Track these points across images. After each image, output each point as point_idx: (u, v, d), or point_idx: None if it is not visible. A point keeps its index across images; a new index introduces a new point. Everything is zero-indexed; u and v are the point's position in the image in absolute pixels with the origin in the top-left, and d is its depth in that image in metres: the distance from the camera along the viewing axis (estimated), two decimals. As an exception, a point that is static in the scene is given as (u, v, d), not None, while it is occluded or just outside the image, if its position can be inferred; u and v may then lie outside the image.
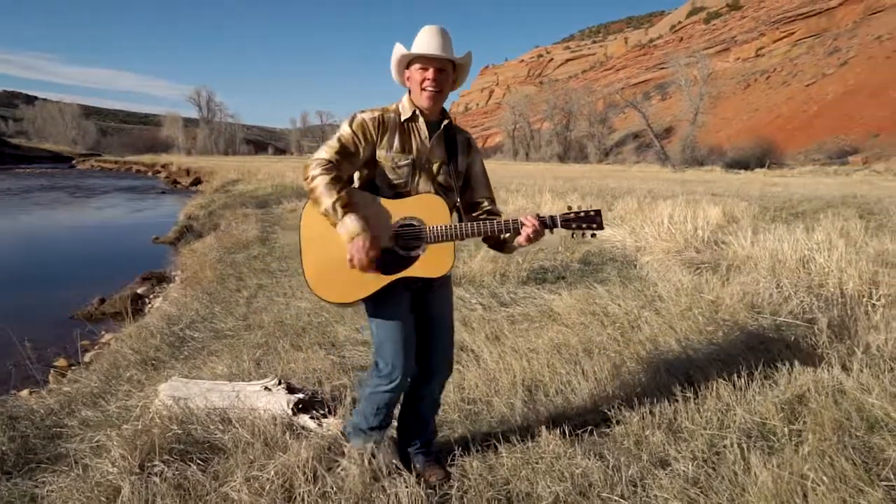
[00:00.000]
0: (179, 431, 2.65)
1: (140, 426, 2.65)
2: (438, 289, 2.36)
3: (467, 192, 2.40)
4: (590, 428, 2.56)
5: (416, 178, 2.25)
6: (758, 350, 3.21)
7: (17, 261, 12.20)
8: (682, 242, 6.55)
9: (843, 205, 13.03)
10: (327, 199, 2.06)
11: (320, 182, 2.08)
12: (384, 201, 2.20)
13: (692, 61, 63.19)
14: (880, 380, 2.80)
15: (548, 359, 3.32)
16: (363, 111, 2.24)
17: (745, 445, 2.32)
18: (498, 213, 2.39)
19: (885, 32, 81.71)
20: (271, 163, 49.81)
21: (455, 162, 2.31)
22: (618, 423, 2.60)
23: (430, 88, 2.18)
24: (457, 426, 2.79)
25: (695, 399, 2.72)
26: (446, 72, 2.21)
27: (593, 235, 2.23)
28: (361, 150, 2.19)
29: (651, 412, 2.61)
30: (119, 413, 3.10)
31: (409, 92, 2.27)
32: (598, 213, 2.22)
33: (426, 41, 2.16)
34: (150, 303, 8.74)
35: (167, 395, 2.97)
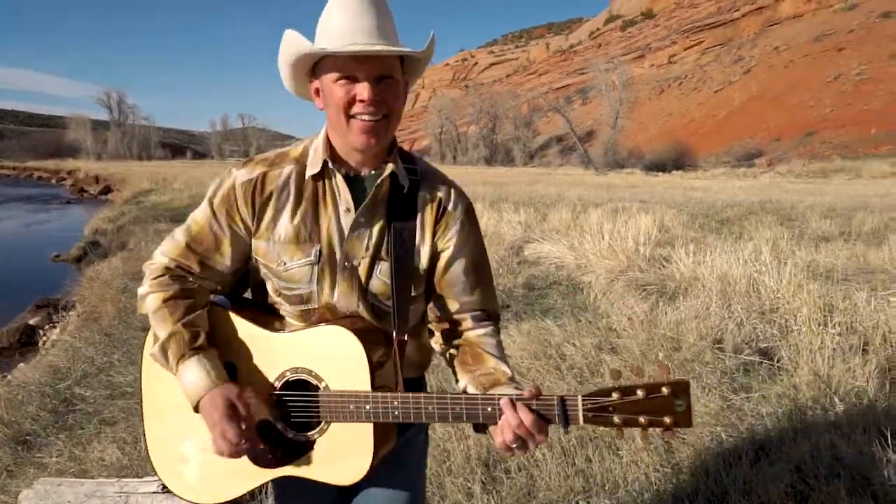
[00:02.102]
0: (45, 560, 2.04)
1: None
2: (383, 477, 1.32)
3: (433, 303, 1.35)
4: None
5: (328, 288, 1.25)
6: (737, 406, 2.91)
7: None
8: (624, 261, 6.32)
9: (763, 211, 13.50)
10: (160, 333, 1.20)
11: (151, 304, 1.21)
12: (265, 335, 1.24)
13: (611, 67, 65.38)
14: (866, 438, 2.54)
15: (504, 421, 2.89)
16: (245, 163, 1.28)
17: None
18: (480, 347, 1.30)
19: (783, 43, 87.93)
20: (189, 168, 47.31)
21: (406, 252, 1.25)
22: (597, 515, 2.20)
23: (366, 117, 1.16)
24: (404, 521, 2.31)
25: (678, 476, 2.36)
26: (392, 79, 1.18)
27: (667, 429, 1.10)
28: (227, 243, 1.26)
29: (634, 499, 2.23)
30: (-31, 526, 2.42)
31: (327, 122, 1.26)
32: (678, 389, 1.09)
33: (348, 23, 1.15)
34: (45, 335, 7.78)
35: (32, 504, 2.33)
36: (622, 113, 59.46)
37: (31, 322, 8.18)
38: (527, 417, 1.08)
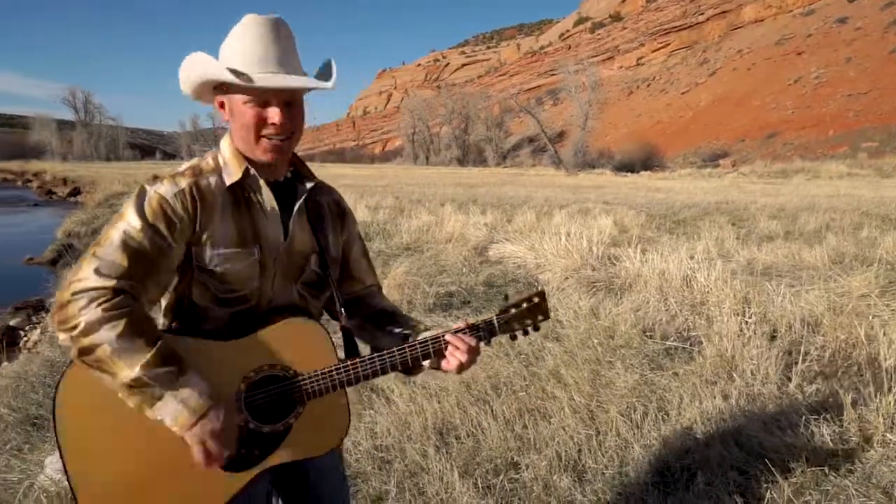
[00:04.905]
0: (71, 513, 2.47)
1: (25, 511, 2.45)
2: (320, 469, 1.52)
3: (344, 285, 1.58)
4: (501, 476, 2.66)
5: (268, 286, 1.38)
6: (651, 381, 3.46)
7: None
8: (578, 260, 6.87)
9: (718, 211, 14.26)
10: (131, 361, 1.15)
11: (105, 335, 1.14)
12: (215, 346, 1.31)
13: (580, 68, 66.38)
14: (752, 405, 3.11)
15: (458, 398, 3.39)
16: (157, 179, 1.30)
17: (645, 482, 2.50)
18: (391, 309, 1.61)
19: (745, 46, 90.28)
20: (159, 168, 46.68)
21: (326, 245, 1.48)
22: (527, 467, 2.71)
23: (275, 138, 1.31)
24: (370, 478, 2.79)
25: (596, 437, 2.89)
26: (299, 102, 1.35)
27: (536, 328, 1.55)
28: (172, 255, 1.27)
29: (557, 454, 2.75)
30: (-2, 491, 2.83)
31: (230, 133, 1.37)
32: (541, 295, 1.53)
33: (258, 51, 1.27)
34: (26, 336, 8.01)
35: (55, 468, 2.75)
36: (592, 114, 60.51)
37: (12, 323, 8.40)
38: (471, 340, 1.42)
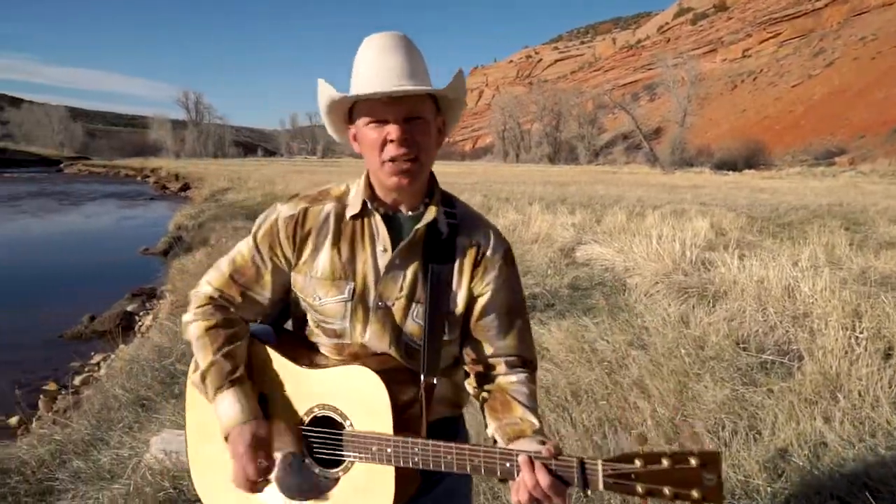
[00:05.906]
0: (172, 490, 2.67)
1: (132, 486, 2.68)
2: None
3: (466, 346, 1.33)
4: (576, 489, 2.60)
5: (360, 326, 1.27)
6: (743, 397, 3.28)
7: (2, 274, 12.13)
8: (670, 264, 6.60)
9: (829, 214, 13.21)
10: (200, 361, 1.26)
11: (194, 332, 1.28)
12: (298, 371, 1.26)
13: (679, 62, 63.78)
14: (858, 430, 2.87)
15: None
16: (289, 200, 1.34)
17: (730, 506, 2.38)
18: (510, 393, 1.25)
19: (870, 33, 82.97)
20: (261, 166, 49.76)
21: (441, 295, 1.26)
22: (605, 479, 2.64)
23: (399, 158, 1.18)
24: (447, 478, 2.83)
25: (680, 453, 2.77)
26: (423, 119, 1.20)
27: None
28: (267, 275, 1.31)
29: (638, 468, 2.66)
30: (111, 465, 3.11)
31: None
32: (705, 459, 0.95)
33: (375, 68, 1.18)
34: (140, 321, 8.73)
35: (158, 448, 2.99)
36: (691, 110, 57.93)
37: (129, 309, 9.20)
38: (544, 479, 1.03)
